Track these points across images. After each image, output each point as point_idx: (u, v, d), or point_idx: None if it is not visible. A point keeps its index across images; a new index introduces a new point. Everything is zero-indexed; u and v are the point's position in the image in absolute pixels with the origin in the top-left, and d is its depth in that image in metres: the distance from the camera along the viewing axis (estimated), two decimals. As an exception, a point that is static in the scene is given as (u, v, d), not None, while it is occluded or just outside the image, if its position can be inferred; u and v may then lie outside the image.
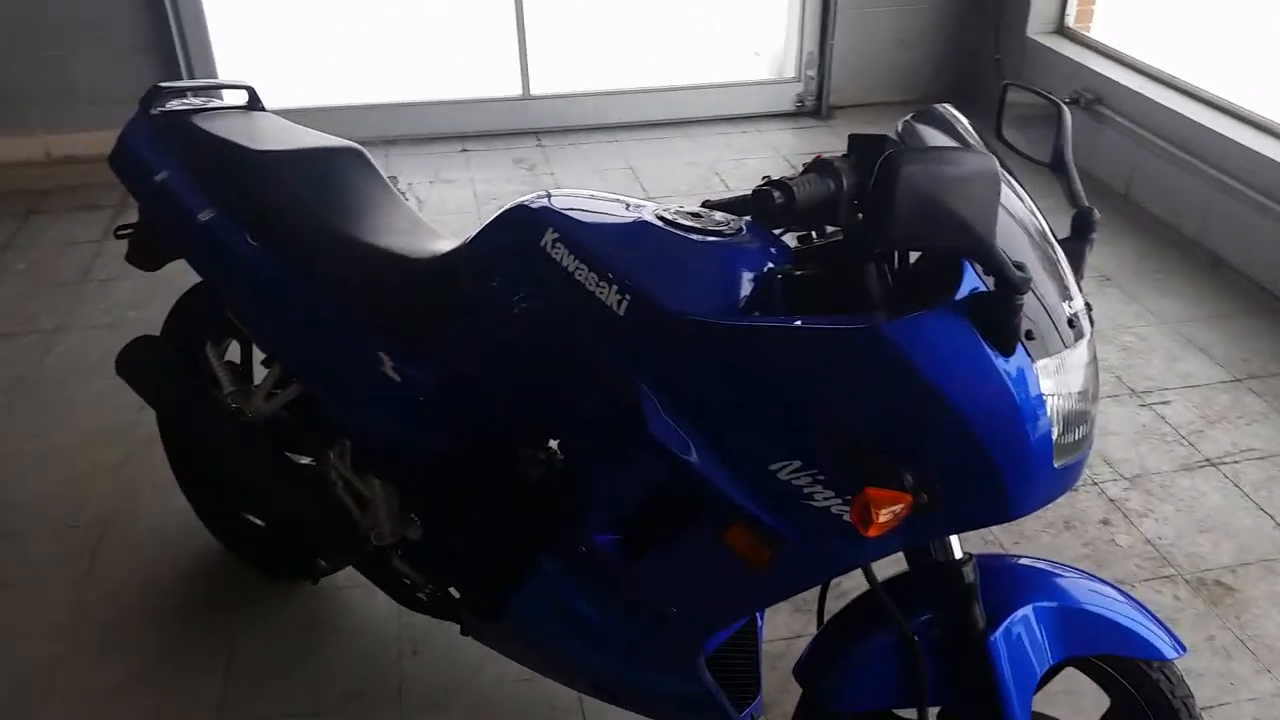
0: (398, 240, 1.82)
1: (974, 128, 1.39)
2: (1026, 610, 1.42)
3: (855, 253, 1.29)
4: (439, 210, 4.20)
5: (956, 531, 1.38)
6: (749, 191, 1.28)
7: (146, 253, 2.17)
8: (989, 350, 1.20)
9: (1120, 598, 1.48)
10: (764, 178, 1.28)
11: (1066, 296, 1.29)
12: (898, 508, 1.20)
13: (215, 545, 2.47)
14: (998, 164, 1.16)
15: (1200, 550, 2.54)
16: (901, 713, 1.55)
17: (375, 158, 2.03)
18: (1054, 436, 1.24)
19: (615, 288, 1.39)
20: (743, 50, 5.34)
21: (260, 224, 1.87)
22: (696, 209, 1.48)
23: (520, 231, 1.53)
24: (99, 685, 2.17)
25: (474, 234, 1.65)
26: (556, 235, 1.47)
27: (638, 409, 1.37)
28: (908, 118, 1.38)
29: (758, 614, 1.69)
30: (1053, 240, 1.34)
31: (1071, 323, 1.27)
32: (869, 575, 1.43)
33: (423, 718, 2.11)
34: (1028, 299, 1.18)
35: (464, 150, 4.79)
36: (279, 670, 2.21)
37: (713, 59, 5.27)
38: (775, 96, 5.21)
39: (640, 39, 5.18)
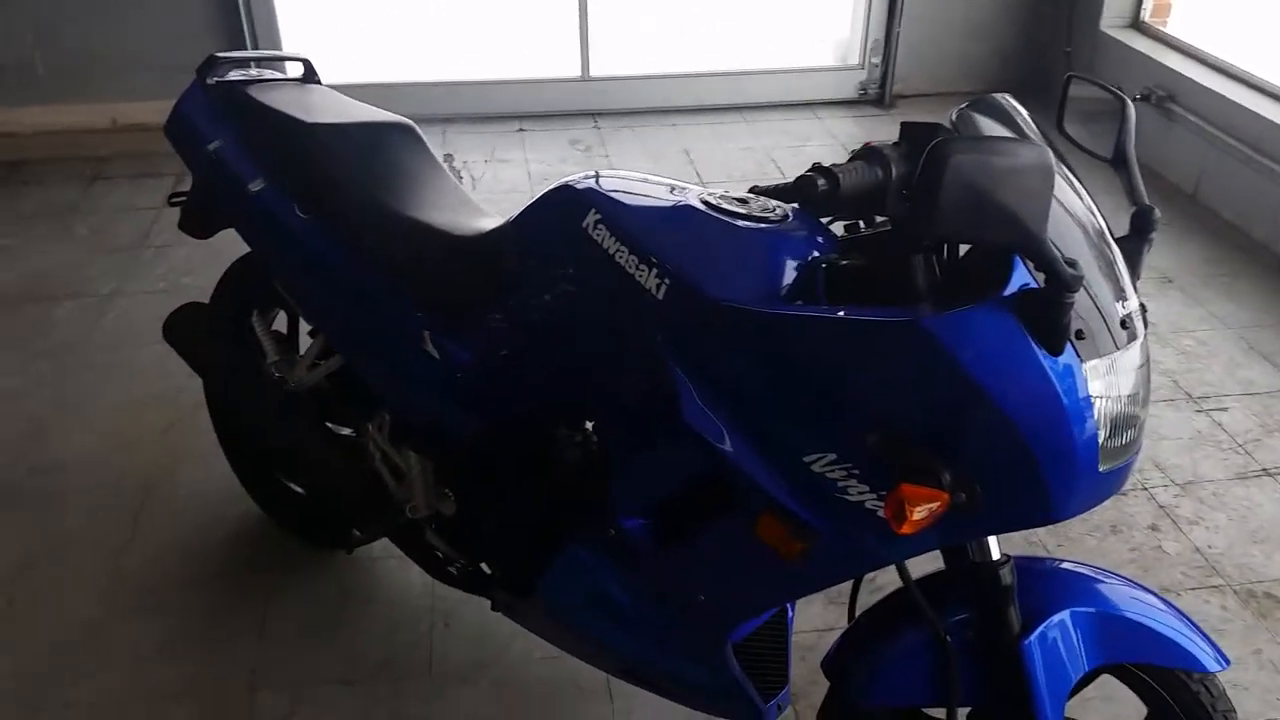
0: (444, 217, 1.82)
1: (1034, 120, 1.35)
2: (1063, 615, 1.39)
3: (902, 244, 1.26)
4: (493, 189, 4.21)
5: (995, 533, 1.35)
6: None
7: (199, 221, 2.19)
8: (1036, 349, 1.16)
9: (1162, 606, 1.45)
10: (813, 164, 1.25)
11: (1121, 296, 1.25)
12: (934, 506, 1.18)
13: (254, 513, 2.51)
14: (1052, 157, 1.13)
15: (1251, 561, 2.47)
16: (930, 712, 1.53)
17: (432, 136, 2.04)
18: (1100, 440, 1.21)
19: (655, 271, 1.37)
20: (807, 36, 5.27)
21: (309, 196, 1.88)
22: (743, 194, 1.45)
23: (563, 212, 1.52)
24: (137, 648, 2.20)
25: (518, 213, 1.64)
26: (599, 216, 1.45)
27: (673, 395, 1.36)
28: (963, 106, 1.35)
29: (788, 604, 1.68)
30: (1110, 238, 1.30)
31: (1124, 324, 1.24)
32: (903, 572, 1.41)
33: (452, 690, 2.12)
34: (1079, 298, 1.14)
35: (520, 130, 4.79)
36: (313, 637, 2.24)
37: (776, 44, 5.21)
38: (838, 83, 5.15)
39: (703, 22, 5.14)
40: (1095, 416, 1.20)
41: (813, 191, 1.21)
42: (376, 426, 1.99)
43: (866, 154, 1.25)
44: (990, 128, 1.32)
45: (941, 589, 1.44)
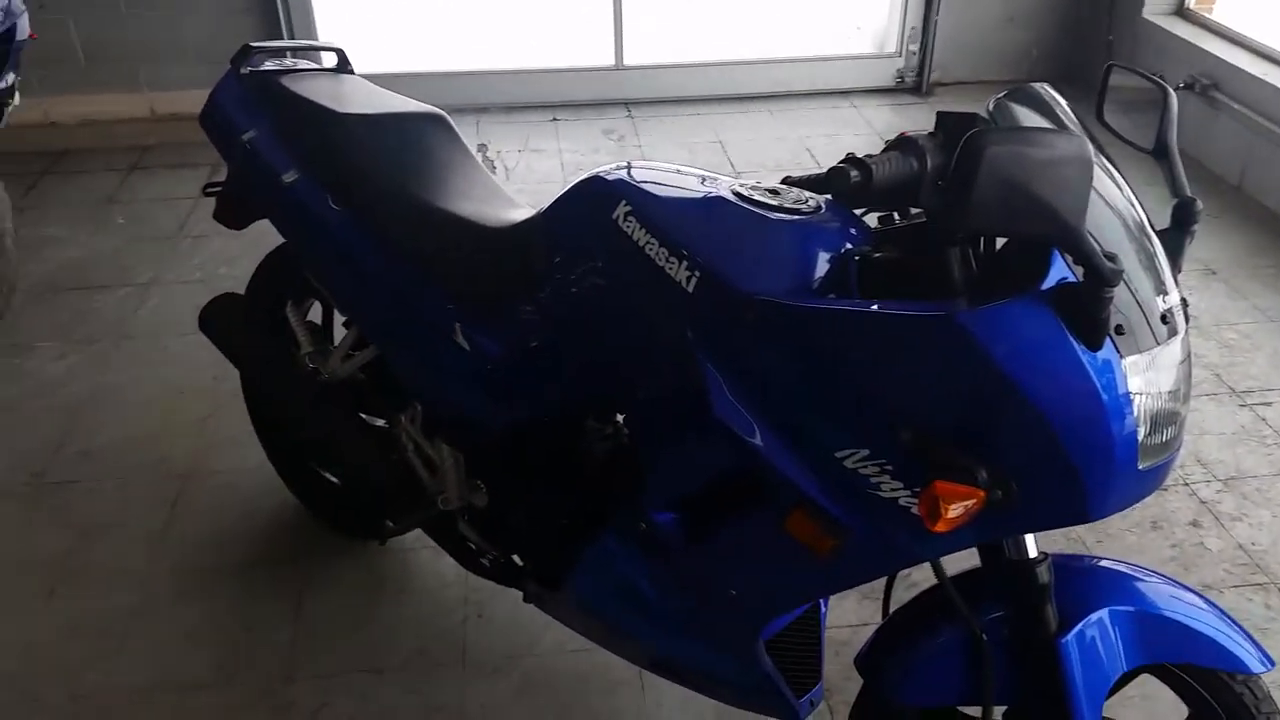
0: (475, 208, 1.81)
1: (1073, 110, 1.32)
2: (1102, 613, 1.36)
3: (937, 237, 1.24)
4: (526, 179, 4.21)
5: (1032, 531, 1.32)
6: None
7: (233, 211, 2.20)
8: (1074, 344, 1.14)
9: (1204, 605, 1.42)
10: (846, 155, 1.23)
11: (1161, 290, 1.23)
12: (969, 503, 1.16)
13: (289, 502, 2.52)
14: (1091, 148, 1.10)
15: (1297, 560, 2.42)
16: (966, 710, 1.51)
17: (466, 125, 2.03)
18: (1140, 437, 1.19)
19: (685, 264, 1.36)
20: (843, 24, 5.23)
21: (341, 187, 1.88)
22: (775, 185, 1.43)
23: (593, 203, 1.51)
24: (172, 634, 2.23)
25: (549, 204, 1.63)
26: (629, 208, 1.44)
27: (703, 389, 1.34)
28: (1000, 95, 1.32)
29: (821, 600, 1.66)
30: (1150, 231, 1.27)
31: (1165, 318, 1.21)
32: (937, 570, 1.39)
33: (484, 681, 2.12)
34: (1119, 291, 1.12)
35: (554, 119, 4.79)
36: (346, 626, 2.25)
37: (812, 32, 5.17)
38: (875, 72, 5.10)
39: (738, 11, 5.11)
40: (1134, 413, 1.17)
41: (845, 183, 1.19)
42: (409, 418, 1.99)
43: (901, 144, 1.23)
44: (1028, 118, 1.30)
45: (977, 586, 1.41)
